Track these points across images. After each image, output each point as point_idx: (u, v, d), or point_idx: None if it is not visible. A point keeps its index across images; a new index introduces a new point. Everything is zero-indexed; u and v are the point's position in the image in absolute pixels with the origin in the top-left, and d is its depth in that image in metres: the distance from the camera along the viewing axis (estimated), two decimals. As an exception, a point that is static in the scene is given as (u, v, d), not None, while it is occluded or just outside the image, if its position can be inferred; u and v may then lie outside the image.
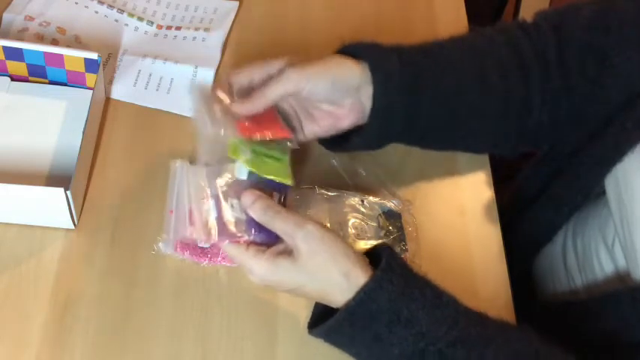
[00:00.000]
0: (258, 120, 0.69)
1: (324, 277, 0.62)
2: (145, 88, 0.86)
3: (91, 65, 0.80)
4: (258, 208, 0.64)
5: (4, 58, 0.80)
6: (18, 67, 0.81)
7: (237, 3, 0.96)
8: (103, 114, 0.83)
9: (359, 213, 0.77)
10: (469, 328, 0.61)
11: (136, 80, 0.87)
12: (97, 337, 0.68)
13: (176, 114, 0.84)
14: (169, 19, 0.95)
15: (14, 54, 0.79)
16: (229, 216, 0.66)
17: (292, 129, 0.73)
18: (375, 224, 0.77)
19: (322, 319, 0.63)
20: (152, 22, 0.93)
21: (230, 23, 0.94)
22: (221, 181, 0.68)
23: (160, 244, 0.73)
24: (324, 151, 0.78)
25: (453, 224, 0.80)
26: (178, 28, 0.93)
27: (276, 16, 0.96)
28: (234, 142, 0.68)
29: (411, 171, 0.82)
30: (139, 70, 0.87)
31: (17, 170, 0.76)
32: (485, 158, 0.84)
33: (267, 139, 0.69)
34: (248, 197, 0.65)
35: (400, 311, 0.60)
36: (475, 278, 0.76)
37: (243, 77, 0.70)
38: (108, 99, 0.85)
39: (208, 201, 0.68)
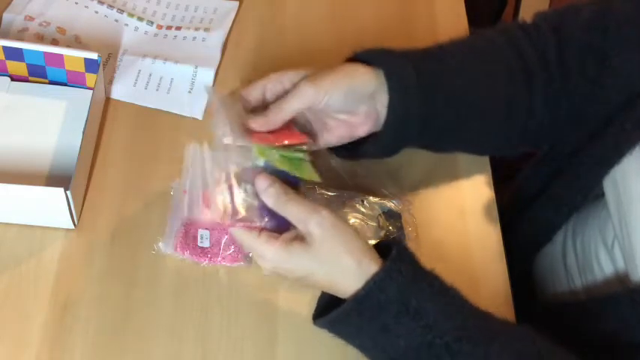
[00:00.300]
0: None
1: (335, 264, 0.62)
2: (145, 88, 0.86)
3: (91, 65, 0.80)
4: (272, 193, 0.64)
5: (4, 58, 0.80)
6: (18, 67, 0.81)
7: (237, 3, 0.96)
8: (103, 114, 0.83)
9: (359, 213, 0.77)
10: (475, 324, 0.61)
11: (136, 80, 0.87)
12: (97, 337, 0.68)
13: (176, 114, 0.84)
14: (169, 19, 0.95)
15: (14, 54, 0.79)
16: (241, 200, 0.66)
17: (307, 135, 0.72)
18: (375, 224, 0.77)
19: (327, 310, 0.63)
20: (152, 22, 0.93)
21: (230, 23, 0.94)
22: (235, 166, 0.68)
23: (160, 244, 0.73)
24: (323, 151, 0.78)
25: (453, 224, 0.80)
26: (178, 28, 0.93)
27: (276, 16, 0.96)
28: (260, 146, 0.68)
29: (411, 171, 0.82)
30: (139, 70, 0.87)
31: (17, 170, 0.76)
32: (485, 158, 0.84)
33: (285, 144, 0.69)
34: (262, 182, 0.65)
35: (409, 302, 0.60)
36: (475, 278, 0.76)
37: (256, 91, 0.70)
38: (108, 99, 0.85)
39: (221, 184, 0.67)
